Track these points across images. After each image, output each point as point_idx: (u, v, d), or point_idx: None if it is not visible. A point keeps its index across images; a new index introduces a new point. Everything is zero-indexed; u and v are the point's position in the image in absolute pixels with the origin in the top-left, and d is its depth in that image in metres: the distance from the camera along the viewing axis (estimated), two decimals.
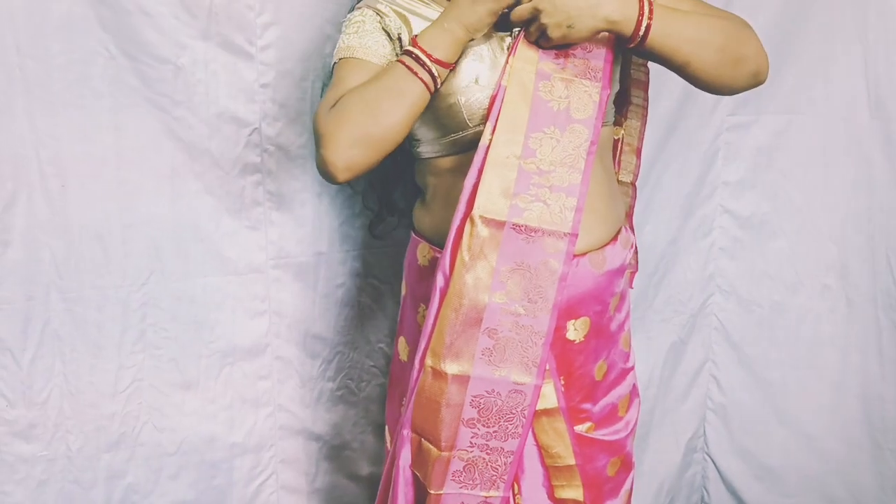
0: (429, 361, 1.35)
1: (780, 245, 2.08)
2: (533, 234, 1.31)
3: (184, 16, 1.53)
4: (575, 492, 1.49)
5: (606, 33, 1.33)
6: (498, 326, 1.32)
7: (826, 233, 2.03)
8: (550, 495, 1.48)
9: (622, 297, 1.50)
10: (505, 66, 1.34)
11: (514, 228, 1.30)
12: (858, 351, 2.03)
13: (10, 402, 1.55)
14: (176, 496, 1.71)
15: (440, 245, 1.41)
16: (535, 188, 1.30)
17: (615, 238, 1.45)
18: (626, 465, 1.55)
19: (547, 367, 1.40)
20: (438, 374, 1.34)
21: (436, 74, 1.29)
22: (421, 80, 1.29)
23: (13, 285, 1.52)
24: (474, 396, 1.35)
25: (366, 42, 1.37)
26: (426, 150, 1.43)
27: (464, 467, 1.39)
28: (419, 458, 1.41)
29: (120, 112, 1.53)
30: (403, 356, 1.52)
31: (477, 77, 1.35)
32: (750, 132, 2.07)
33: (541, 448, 1.45)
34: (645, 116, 1.60)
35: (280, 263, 1.73)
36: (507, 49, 1.36)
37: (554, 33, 1.29)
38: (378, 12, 1.39)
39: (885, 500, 2.02)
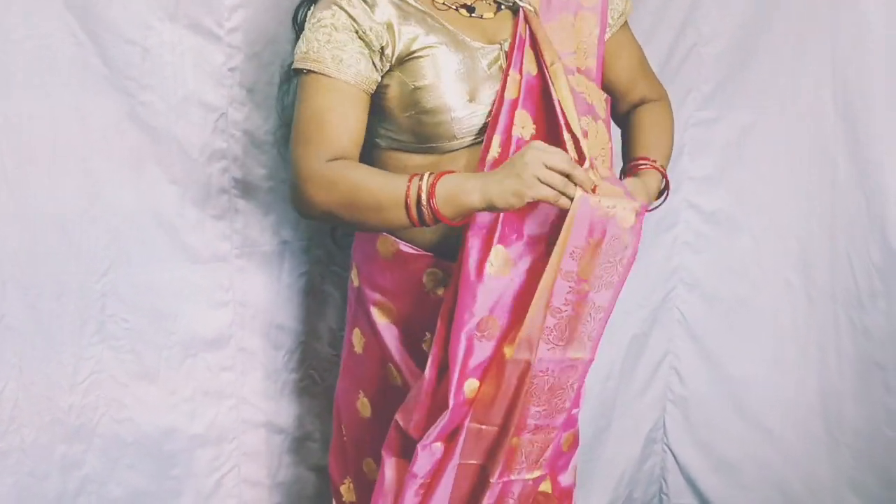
0: (505, 350, 1.31)
1: (744, 241, 2.10)
2: (609, 207, 1.26)
3: None
4: (544, 484, 1.51)
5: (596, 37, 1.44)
6: (563, 305, 1.29)
7: (790, 230, 2.04)
8: None
9: None
10: (505, 80, 1.34)
11: (587, 200, 1.24)
12: (817, 347, 2.05)
13: None
14: (132, 485, 1.67)
15: (407, 239, 1.41)
16: (594, 168, 1.30)
17: None
18: (576, 441, 1.58)
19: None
20: (509, 361, 1.32)
21: (429, 223, 1.26)
22: (413, 220, 1.26)
23: None
24: (532, 377, 1.32)
25: (340, 55, 1.32)
26: (395, 145, 1.40)
27: (511, 452, 1.37)
28: (477, 446, 1.37)
29: (84, 96, 1.47)
30: (358, 348, 1.51)
31: (472, 93, 1.34)
32: (716, 128, 2.08)
33: None
34: None
35: (244, 252, 1.70)
36: (497, 62, 1.37)
37: None
38: (351, 16, 1.32)
39: (840, 493, 2.06)
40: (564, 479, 1.57)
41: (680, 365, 2.23)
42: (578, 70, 1.40)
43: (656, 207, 1.50)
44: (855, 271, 1.97)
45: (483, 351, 1.33)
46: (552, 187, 1.21)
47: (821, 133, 1.97)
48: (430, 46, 1.34)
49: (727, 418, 2.18)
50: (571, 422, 1.55)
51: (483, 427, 1.35)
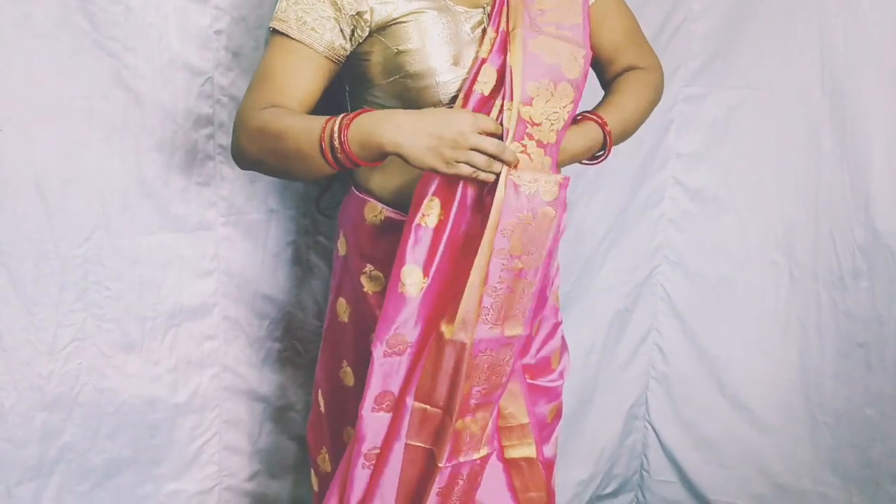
0: (443, 330, 1.32)
1: (729, 219, 2.11)
2: (529, 182, 1.28)
3: None
4: (528, 449, 1.51)
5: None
6: (497, 283, 1.31)
7: (775, 209, 2.05)
8: (500, 456, 1.50)
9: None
10: (482, 39, 1.34)
11: (511, 177, 1.27)
12: (800, 326, 2.06)
13: None
14: (113, 454, 1.66)
15: (394, 206, 1.40)
16: (527, 138, 1.30)
17: None
18: (559, 413, 1.59)
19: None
20: (448, 341, 1.32)
21: (347, 165, 1.25)
22: (331, 165, 1.24)
23: None
24: (472, 356, 1.34)
25: (304, 17, 1.31)
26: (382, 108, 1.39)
27: (457, 435, 1.38)
28: (423, 428, 1.38)
29: (67, 56, 1.44)
30: (343, 317, 1.49)
31: (456, 57, 1.34)
32: (704, 105, 2.08)
33: None
34: None
35: (230, 221, 1.68)
36: (480, 25, 1.36)
37: None
38: None
39: (820, 472, 2.08)
40: (547, 451, 1.57)
41: (663, 342, 2.24)
42: (559, 26, 1.38)
43: (593, 164, 1.50)
44: (838, 251, 1.98)
45: (411, 305, 1.32)
46: (472, 165, 1.21)
47: (807, 112, 1.97)
48: (414, 12, 1.33)
49: (709, 396, 2.20)
50: (555, 394, 1.56)
51: (427, 408, 1.37)
